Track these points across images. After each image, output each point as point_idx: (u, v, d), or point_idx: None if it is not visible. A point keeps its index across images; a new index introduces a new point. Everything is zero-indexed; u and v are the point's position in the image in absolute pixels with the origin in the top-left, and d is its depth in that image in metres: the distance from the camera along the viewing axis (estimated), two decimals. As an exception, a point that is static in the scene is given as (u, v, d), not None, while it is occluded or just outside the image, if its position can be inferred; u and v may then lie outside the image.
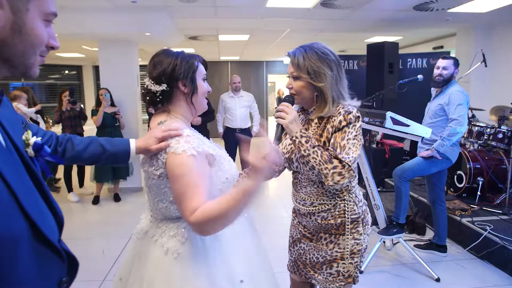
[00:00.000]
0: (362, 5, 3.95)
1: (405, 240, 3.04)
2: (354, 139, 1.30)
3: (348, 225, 1.42)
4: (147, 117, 5.19)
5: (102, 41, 4.68)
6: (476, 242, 3.05)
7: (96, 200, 4.53)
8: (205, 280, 1.09)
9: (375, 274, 2.81)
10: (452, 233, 3.32)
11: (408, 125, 2.38)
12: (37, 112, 4.45)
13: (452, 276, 2.79)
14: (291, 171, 1.56)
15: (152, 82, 1.15)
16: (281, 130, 1.38)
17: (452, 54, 5.75)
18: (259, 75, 10.95)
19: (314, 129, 1.42)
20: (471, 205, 3.67)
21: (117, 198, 4.63)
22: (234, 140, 4.81)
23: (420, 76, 2.98)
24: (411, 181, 4.73)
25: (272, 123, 7.66)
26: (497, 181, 3.85)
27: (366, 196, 3.51)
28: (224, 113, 5.02)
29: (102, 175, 4.43)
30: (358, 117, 1.32)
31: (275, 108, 1.44)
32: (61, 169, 4.81)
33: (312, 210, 1.46)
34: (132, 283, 1.18)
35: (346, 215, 1.42)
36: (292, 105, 1.41)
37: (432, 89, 3.11)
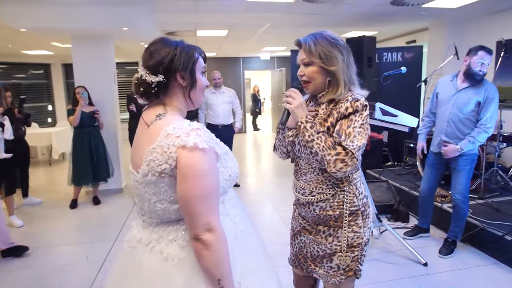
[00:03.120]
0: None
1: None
2: (360, 127, 1.29)
3: (346, 217, 1.41)
4: (126, 116, 5.01)
5: (76, 37, 4.47)
6: (458, 227, 3.18)
7: (74, 204, 4.32)
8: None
9: (366, 264, 2.86)
10: (434, 219, 3.45)
11: (396, 116, 2.45)
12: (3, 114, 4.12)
13: (438, 260, 2.91)
14: (292, 161, 1.55)
15: (148, 72, 1.07)
16: (287, 115, 1.38)
17: (425, 49, 5.96)
18: (236, 72, 10.90)
19: (320, 114, 1.41)
20: (450, 192, 3.83)
21: (96, 201, 4.44)
22: (217, 137, 4.75)
23: (403, 68, 3.04)
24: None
25: (249, 119, 7.68)
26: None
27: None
28: (206, 109, 4.97)
29: (81, 178, 4.24)
30: (366, 105, 1.32)
31: (283, 93, 1.43)
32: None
33: (311, 199, 1.44)
34: None
35: (344, 207, 1.40)
36: (301, 92, 1.40)
37: (445, 79, 2.92)
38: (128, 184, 5.13)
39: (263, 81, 16.07)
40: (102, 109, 4.36)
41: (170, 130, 1.01)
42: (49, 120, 9.06)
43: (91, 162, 4.20)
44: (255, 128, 11.63)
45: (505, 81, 4.54)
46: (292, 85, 1.42)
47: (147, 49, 1.10)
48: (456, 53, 4.39)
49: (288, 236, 1.67)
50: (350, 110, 1.31)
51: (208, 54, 9.18)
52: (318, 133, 1.30)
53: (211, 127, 4.90)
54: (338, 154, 1.26)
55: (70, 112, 4.12)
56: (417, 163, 4.35)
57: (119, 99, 5.22)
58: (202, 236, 0.98)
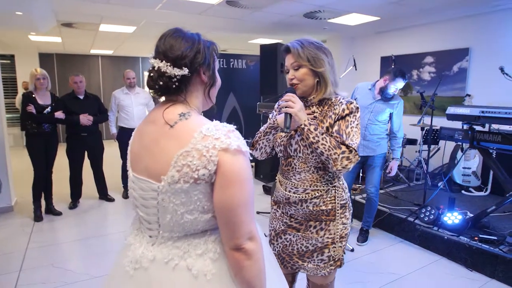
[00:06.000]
0: (264, 7, 4.19)
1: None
2: (356, 127, 1.42)
3: (338, 210, 1.51)
4: (13, 116, 4.18)
5: None
6: (370, 214, 3.67)
7: None
8: None
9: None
10: (349, 210, 3.89)
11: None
12: None
13: (360, 246, 3.31)
14: (283, 159, 1.56)
15: (168, 64, 0.95)
16: (290, 118, 1.39)
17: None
18: (135, 72, 10.16)
19: (316, 116, 1.47)
20: (358, 185, 4.40)
21: (-23, 225, 3.58)
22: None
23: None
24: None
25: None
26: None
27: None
28: (118, 111, 4.53)
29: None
30: (358, 107, 1.45)
31: (280, 99, 1.43)
32: None
33: (305, 197, 1.49)
34: None
35: (336, 201, 1.50)
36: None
37: (363, 86, 3.24)
38: (19, 201, 4.27)
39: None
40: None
41: (205, 131, 0.91)
42: None
43: (-29, 176, 3.35)
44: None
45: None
46: (287, 90, 1.45)
47: (165, 40, 0.97)
48: (355, 65, 5.08)
49: None
50: (346, 111, 1.42)
51: (104, 52, 8.41)
52: (322, 134, 1.37)
53: (124, 130, 4.49)
54: (343, 152, 1.35)
55: None
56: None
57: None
58: (244, 245, 0.92)
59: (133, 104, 4.51)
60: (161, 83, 0.96)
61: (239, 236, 0.91)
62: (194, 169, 0.89)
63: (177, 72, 0.95)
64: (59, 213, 3.92)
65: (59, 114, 3.71)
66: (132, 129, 4.37)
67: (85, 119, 3.90)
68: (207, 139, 0.90)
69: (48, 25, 4.58)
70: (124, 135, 4.50)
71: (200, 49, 0.98)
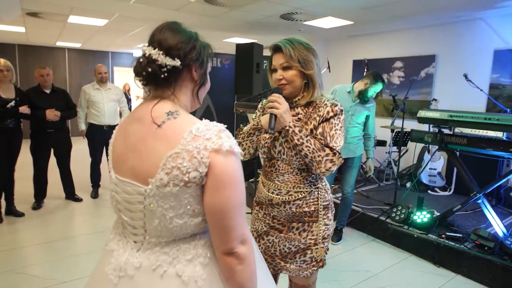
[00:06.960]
0: (243, 6, 4.17)
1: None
2: (339, 129, 1.43)
3: (321, 211, 1.51)
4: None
5: None
6: (343, 214, 3.76)
7: None
8: None
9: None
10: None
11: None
12: None
13: (334, 245, 3.38)
14: (267, 160, 1.55)
15: (161, 52, 0.90)
16: (275, 119, 1.37)
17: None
18: (103, 67, 9.80)
19: (300, 117, 1.47)
20: (331, 185, 4.49)
21: None
22: (101, 139, 4.23)
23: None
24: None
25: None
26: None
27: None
28: (87, 107, 4.34)
29: None
30: (342, 110, 1.46)
31: (267, 100, 1.42)
32: None
33: (288, 198, 1.48)
34: None
35: (319, 202, 1.50)
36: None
37: (342, 89, 3.28)
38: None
39: (121, 79, 14.92)
40: None
41: (196, 131, 0.86)
42: None
43: None
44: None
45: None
46: (274, 90, 1.43)
47: (162, 29, 0.94)
48: (329, 67, 5.18)
49: None
50: (331, 114, 1.42)
51: (71, 45, 7.97)
52: (306, 136, 1.37)
53: (94, 127, 4.31)
54: (327, 155, 1.36)
55: None
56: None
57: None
58: (237, 249, 0.89)
59: (104, 100, 4.34)
60: (149, 69, 0.91)
61: (231, 240, 0.88)
62: (185, 172, 0.85)
63: (168, 61, 0.91)
64: (21, 214, 3.69)
65: (24, 109, 3.49)
66: (102, 126, 4.20)
67: (52, 114, 3.70)
68: (197, 139, 0.85)
69: (12, 13, 4.30)
70: (94, 132, 4.33)
71: (196, 46, 0.96)
